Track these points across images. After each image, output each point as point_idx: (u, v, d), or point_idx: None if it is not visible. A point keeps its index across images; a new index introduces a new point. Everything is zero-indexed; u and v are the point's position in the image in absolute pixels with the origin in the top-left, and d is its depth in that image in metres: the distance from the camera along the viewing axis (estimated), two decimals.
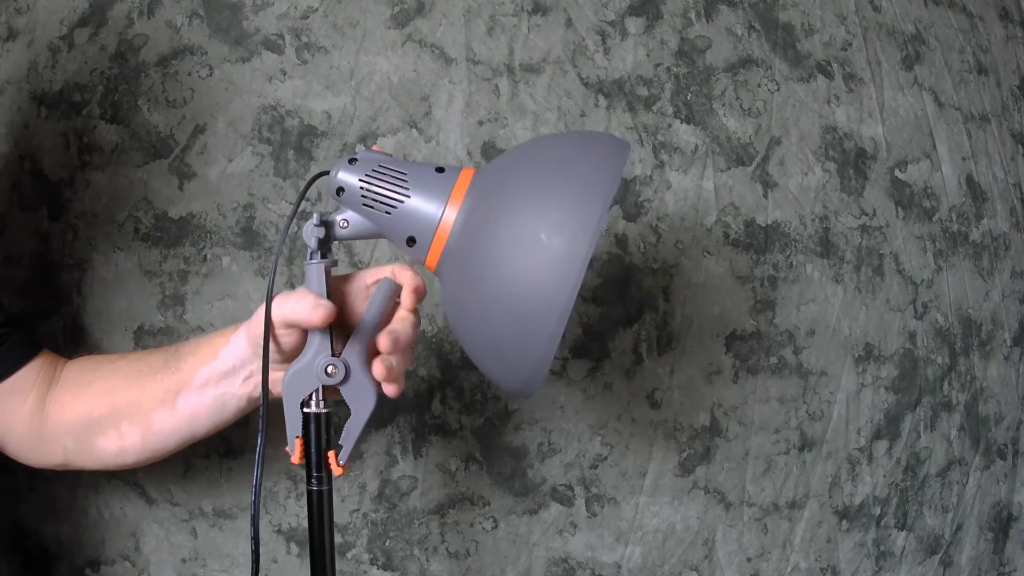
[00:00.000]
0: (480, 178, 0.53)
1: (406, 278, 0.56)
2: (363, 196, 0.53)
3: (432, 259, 0.53)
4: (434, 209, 0.52)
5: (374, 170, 0.53)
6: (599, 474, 0.88)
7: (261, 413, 0.54)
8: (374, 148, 0.57)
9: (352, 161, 0.54)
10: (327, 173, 0.55)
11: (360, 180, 0.53)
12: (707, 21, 0.92)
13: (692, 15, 0.91)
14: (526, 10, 0.87)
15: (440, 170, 0.54)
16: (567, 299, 0.47)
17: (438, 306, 0.83)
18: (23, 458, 0.62)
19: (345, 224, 0.55)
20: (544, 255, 0.47)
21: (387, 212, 0.53)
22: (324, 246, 0.55)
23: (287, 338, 0.55)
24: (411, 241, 0.53)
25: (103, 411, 0.59)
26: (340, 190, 0.54)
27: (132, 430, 0.59)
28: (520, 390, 0.51)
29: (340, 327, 0.56)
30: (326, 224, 0.54)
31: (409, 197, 0.52)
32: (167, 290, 0.78)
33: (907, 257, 0.98)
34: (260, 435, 0.52)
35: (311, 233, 0.54)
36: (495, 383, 0.60)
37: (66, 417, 0.60)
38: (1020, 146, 1.07)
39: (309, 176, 0.56)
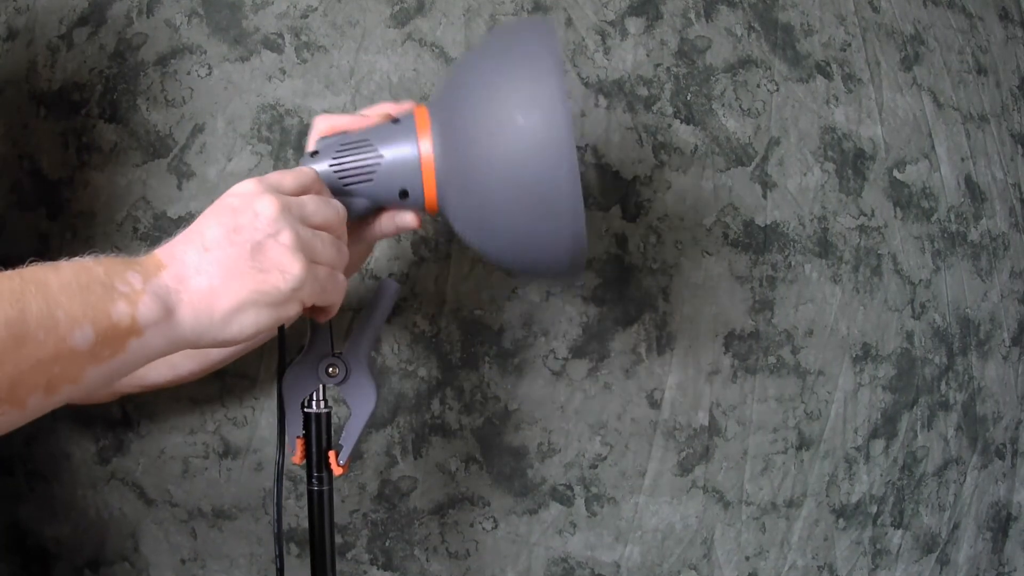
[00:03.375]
0: (435, 105, 0.53)
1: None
2: (341, 178, 0.53)
3: (430, 197, 0.53)
4: (409, 151, 0.52)
5: (337, 151, 0.54)
6: (598, 474, 0.88)
7: (277, 418, 0.54)
8: (326, 134, 0.56)
9: (314, 154, 0.54)
10: None
11: (330, 165, 0.53)
12: (707, 21, 0.92)
13: (692, 15, 0.91)
14: (526, 10, 0.86)
15: (395, 120, 0.54)
16: (569, 157, 0.47)
17: (438, 306, 0.83)
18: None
19: None
20: (529, 133, 0.47)
21: (369, 179, 0.53)
22: None
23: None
24: (404, 194, 0.53)
25: None
26: None
27: (186, 363, 0.60)
28: (572, 264, 0.52)
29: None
30: None
31: (382, 156, 0.53)
32: None
33: (905, 257, 0.98)
34: (279, 452, 0.52)
35: None
36: (547, 278, 0.59)
37: None
38: (1019, 146, 1.08)
39: None
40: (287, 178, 0.48)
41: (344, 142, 0.54)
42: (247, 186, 0.45)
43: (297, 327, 0.79)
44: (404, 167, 0.52)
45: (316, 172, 0.51)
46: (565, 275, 0.54)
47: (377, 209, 0.56)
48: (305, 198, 0.47)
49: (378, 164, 0.53)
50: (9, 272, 0.38)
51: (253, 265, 0.43)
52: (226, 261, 0.43)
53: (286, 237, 0.44)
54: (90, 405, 0.74)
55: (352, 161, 0.53)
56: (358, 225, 0.57)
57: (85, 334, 0.38)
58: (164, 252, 0.43)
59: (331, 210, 0.49)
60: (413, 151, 0.52)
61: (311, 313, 0.51)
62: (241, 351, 0.68)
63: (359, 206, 0.55)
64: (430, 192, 0.53)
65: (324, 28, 0.81)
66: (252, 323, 0.43)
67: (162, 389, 0.71)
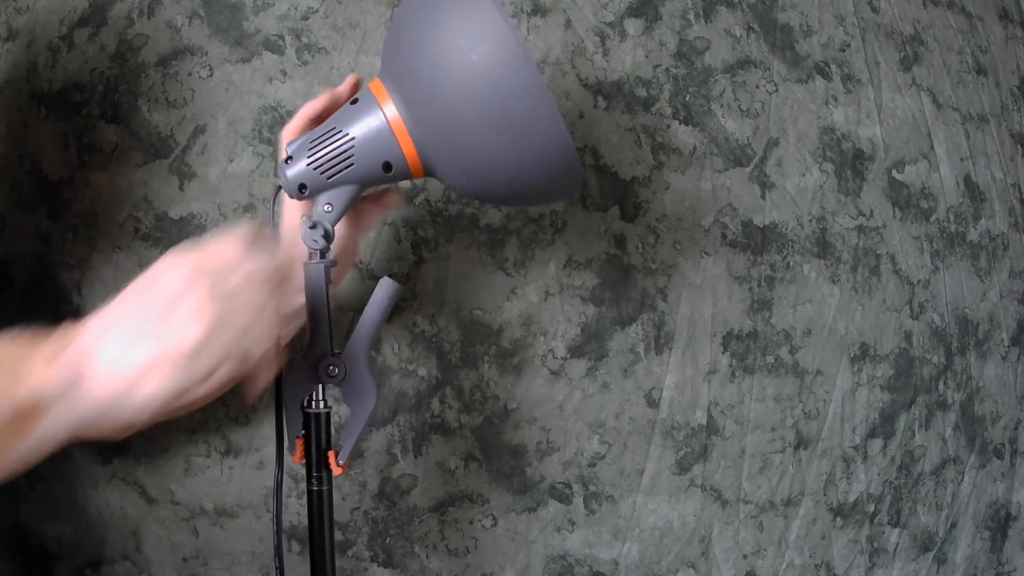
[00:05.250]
0: (386, 71, 0.54)
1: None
2: (322, 172, 0.54)
3: (413, 160, 0.54)
4: (378, 122, 0.53)
5: (310, 148, 0.54)
6: (597, 472, 0.88)
7: (275, 419, 0.55)
8: (291, 137, 0.57)
9: (288, 159, 0.55)
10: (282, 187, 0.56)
11: (307, 163, 0.54)
12: (706, 22, 0.92)
13: (691, 16, 0.92)
14: (525, 11, 0.87)
15: (354, 101, 0.55)
16: (533, 76, 0.48)
17: (438, 306, 0.84)
18: None
19: (330, 207, 0.55)
20: (487, 67, 0.48)
21: (350, 164, 0.54)
22: (328, 243, 0.55)
23: None
24: (387, 167, 0.54)
25: None
26: (302, 187, 0.54)
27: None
28: (569, 175, 0.52)
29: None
30: (317, 223, 0.54)
31: (353, 137, 0.53)
32: None
33: (904, 257, 0.99)
34: (278, 452, 0.53)
35: (312, 237, 0.54)
36: (548, 196, 0.60)
37: None
38: (1019, 146, 1.08)
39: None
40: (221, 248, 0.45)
41: (312, 138, 0.54)
42: (170, 265, 0.44)
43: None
44: (379, 140, 0.53)
45: (249, 228, 0.48)
46: (565, 189, 0.55)
47: (363, 197, 0.57)
48: (230, 257, 0.45)
49: (352, 146, 0.53)
50: None
51: (158, 321, 0.41)
52: (133, 321, 0.41)
53: (193, 298, 0.42)
54: None
55: (327, 152, 0.53)
56: (346, 218, 0.58)
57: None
58: (75, 330, 0.42)
59: (259, 267, 0.45)
60: (382, 121, 0.53)
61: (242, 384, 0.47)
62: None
63: (348, 194, 0.55)
64: (411, 155, 0.53)
65: (325, 30, 0.82)
66: (156, 387, 0.41)
67: None
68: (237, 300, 0.43)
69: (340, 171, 0.54)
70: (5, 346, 0.40)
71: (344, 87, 0.60)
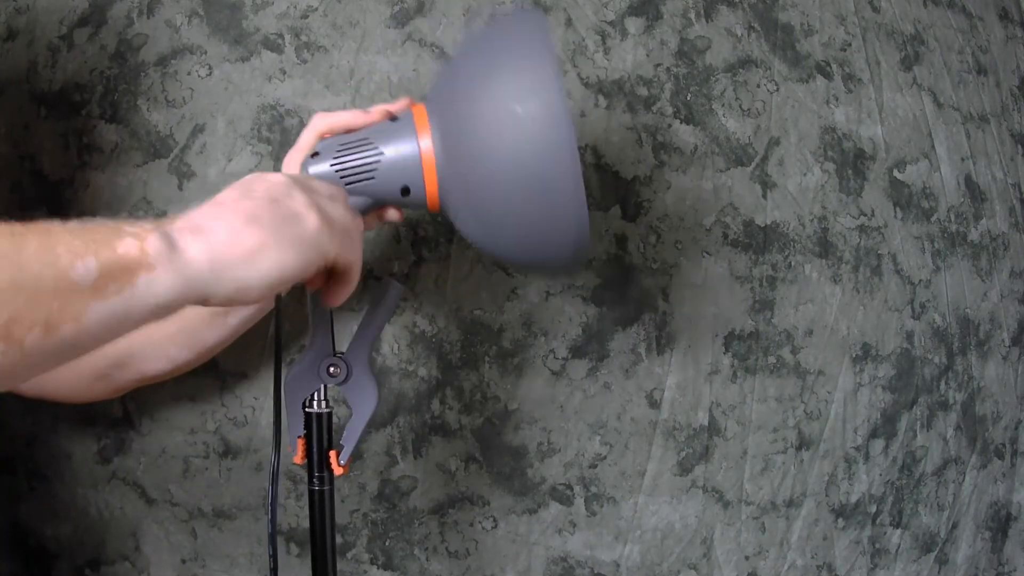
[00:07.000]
0: (433, 101, 0.54)
1: None
2: (343, 177, 0.54)
3: (432, 193, 0.53)
4: (410, 149, 0.53)
5: (338, 151, 0.54)
6: (598, 473, 0.88)
7: (274, 419, 0.54)
8: (326, 136, 0.57)
9: (315, 155, 0.54)
10: None
11: (332, 165, 0.54)
12: (707, 21, 0.92)
13: (692, 15, 0.91)
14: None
15: (394, 118, 0.55)
16: (569, 142, 0.47)
17: (438, 306, 0.83)
18: (75, 398, 0.66)
19: None
20: (528, 122, 0.48)
21: (371, 177, 0.53)
22: None
23: None
24: (406, 191, 0.54)
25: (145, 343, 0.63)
26: None
27: (181, 352, 0.61)
28: (575, 254, 0.52)
29: None
30: None
31: (383, 154, 0.53)
32: None
33: (905, 257, 0.99)
34: (274, 451, 0.52)
35: None
36: (550, 267, 0.60)
37: (109, 351, 0.61)
38: (1019, 146, 1.08)
39: None
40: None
41: (344, 142, 0.54)
42: (261, 176, 0.47)
43: (297, 327, 0.79)
44: (405, 164, 0.53)
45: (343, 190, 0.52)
46: (568, 265, 0.55)
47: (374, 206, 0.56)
48: (312, 181, 0.48)
49: (379, 162, 0.53)
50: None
51: (272, 211, 0.43)
52: (244, 210, 0.42)
53: (299, 195, 0.45)
54: (92, 403, 0.74)
55: (353, 160, 0.53)
56: None
57: (87, 267, 0.36)
58: (176, 217, 0.43)
59: (337, 188, 0.50)
60: (413, 148, 0.53)
61: (331, 284, 0.50)
62: (239, 329, 0.68)
63: (360, 204, 0.55)
64: (432, 188, 0.53)
65: (324, 28, 0.82)
66: (276, 264, 0.42)
67: (162, 382, 0.72)
68: (332, 207, 0.47)
69: (359, 182, 0.53)
70: (87, 223, 0.39)
71: (397, 108, 0.59)
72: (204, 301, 0.41)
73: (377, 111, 0.57)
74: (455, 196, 0.52)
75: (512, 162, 0.48)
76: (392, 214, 0.60)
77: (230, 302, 0.42)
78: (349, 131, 0.56)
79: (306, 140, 0.58)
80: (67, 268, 0.36)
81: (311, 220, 0.44)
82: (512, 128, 0.48)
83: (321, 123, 0.57)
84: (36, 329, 0.35)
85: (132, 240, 0.38)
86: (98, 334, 0.38)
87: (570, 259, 0.53)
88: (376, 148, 0.53)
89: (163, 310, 0.40)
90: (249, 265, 0.41)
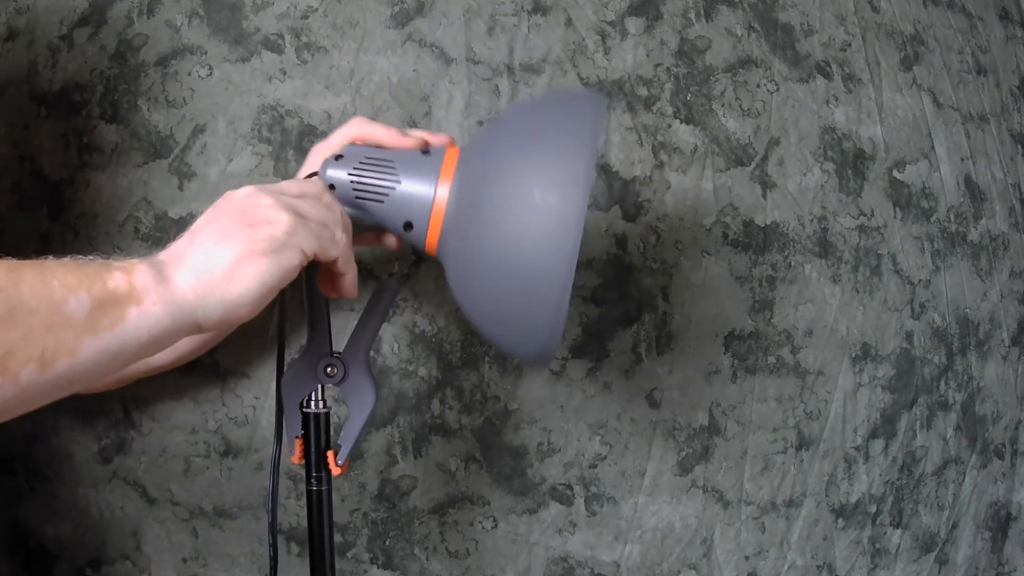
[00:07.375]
0: (467, 151, 0.53)
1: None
2: (355, 189, 0.53)
3: (432, 240, 0.53)
4: (426, 189, 0.52)
5: (361, 162, 0.54)
6: (598, 473, 0.88)
7: (275, 418, 0.54)
8: (357, 142, 0.56)
9: (338, 158, 0.54)
10: (316, 174, 0.55)
11: (349, 174, 0.53)
12: (707, 21, 0.92)
13: (692, 15, 0.91)
14: (526, 10, 0.87)
15: (426, 152, 0.54)
16: (570, 254, 0.46)
17: (438, 306, 0.84)
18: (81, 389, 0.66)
19: None
20: (541, 213, 0.47)
21: (380, 201, 0.53)
22: None
23: None
24: (408, 226, 0.53)
25: None
26: (331, 187, 0.54)
27: (186, 340, 0.62)
28: (538, 356, 0.51)
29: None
30: None
31: (400, 183, 0.53)
32: None
33: (905, 257, 0.98)
34: (275, 451, 0.53)
35: None
36: (512, 354, 0.59)
37: None
38: (1019, 146, 1.08)
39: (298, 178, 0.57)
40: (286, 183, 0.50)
41: (370, 156, 0.54)
42: (232, 192, 0.48)
43: (297, 326, 0.79)
44: (417, 202, 0.52)
45: (321, 182, 0.52)
46: (531, 362, 0.54)
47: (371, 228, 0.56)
48: (281, 183, 0.49)
49: (393, 189, 0.53)
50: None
51: (241, 222, 0.44)
52: (215, 230, 0.44)
53: (266, 199, 0.46)
54: (94, 397, 0.74)
55: (370, 178, 0.53)
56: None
57: (80, 301, 0.37)
58: (157, 252, 0.45)
59: (310, 185, 0.50)
60: (430, 190, 0.52)
61: (329, 283, 0.50)
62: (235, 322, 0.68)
63: (361, 222, 0.55)
64: (433, 235, 0.52)
65: (324, 29, 0.82)
66: (254, 275, 0.43)
67: (164, 382, 0.72)
68: (303, 203, 0.47)
69: (368, 200, 0.53)
70: (78, 260, 0.40)
71: (436, 142, 0.58)
72: (198, 328, 0.43)
73: (415, 137, 0.56)
74: (451, 252, 0.52)
75: (511, 245, 0.47)
76: (390, 241, 0.59)
77: (223, 324, 0.43)
78: (380, 147, 0.56)
79: (337, 139, 0.58)
80: (60, 303, 0.37)
81: (282, 220, 0.45)
82: (524, 211, 0.47)
83: (356, 129, 0.57)
84: (31, 364, 0.36)
85: (121, 275, 0.40)
86: (92, 369, 0.39)
87: (533, 358, 0.52)
88: (396, 175, 0.53)
89: (157, 343, 0.41)
90: (230, 283, 0.42)
